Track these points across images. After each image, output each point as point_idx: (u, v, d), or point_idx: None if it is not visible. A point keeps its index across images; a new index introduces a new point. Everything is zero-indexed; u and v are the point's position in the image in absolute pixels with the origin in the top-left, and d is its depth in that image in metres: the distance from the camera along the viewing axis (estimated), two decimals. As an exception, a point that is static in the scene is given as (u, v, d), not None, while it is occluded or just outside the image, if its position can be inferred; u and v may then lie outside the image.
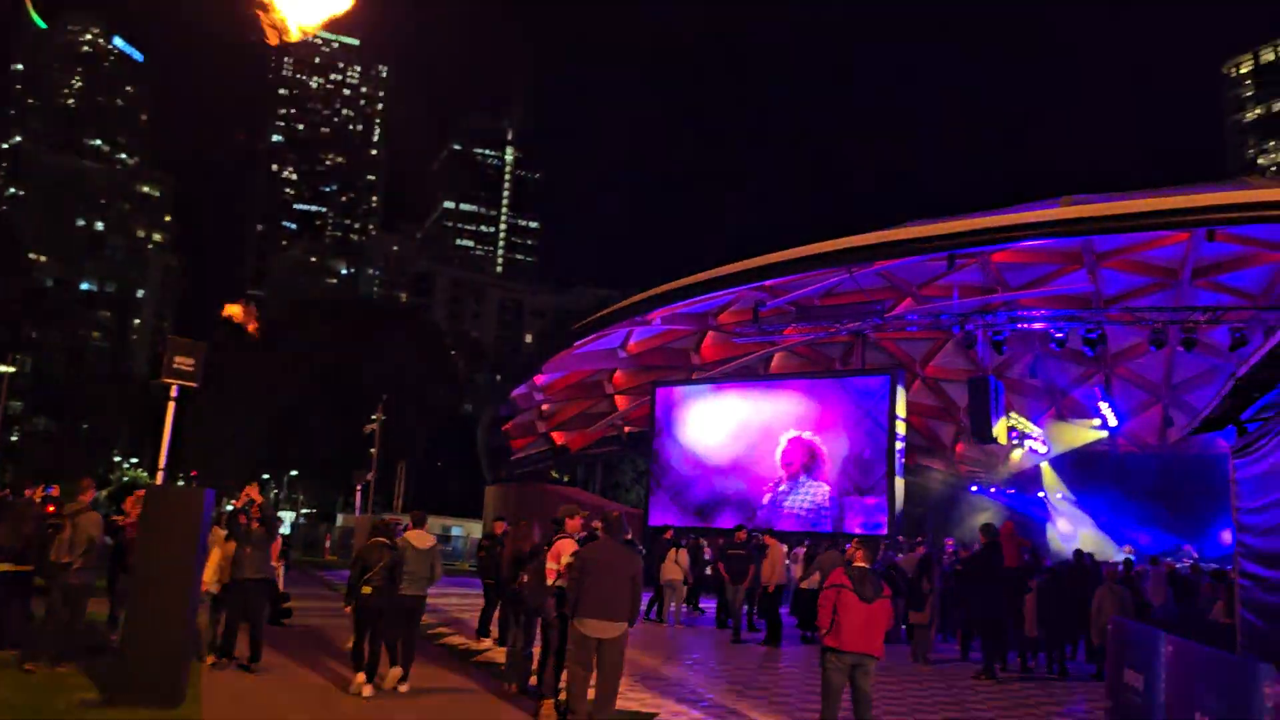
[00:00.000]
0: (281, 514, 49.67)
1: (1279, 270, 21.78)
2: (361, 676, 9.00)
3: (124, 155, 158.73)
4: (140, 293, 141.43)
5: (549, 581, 8.73)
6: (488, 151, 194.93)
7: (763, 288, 25.56)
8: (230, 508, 11.47)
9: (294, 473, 62.24)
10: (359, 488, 35.40)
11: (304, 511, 63.65)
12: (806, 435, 25.51)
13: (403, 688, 9.28)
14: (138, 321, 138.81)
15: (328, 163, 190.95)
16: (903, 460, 24.17)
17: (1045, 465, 30.41)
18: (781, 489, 25.64)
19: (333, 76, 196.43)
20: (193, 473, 52.69)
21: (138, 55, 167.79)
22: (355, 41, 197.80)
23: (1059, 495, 31.23)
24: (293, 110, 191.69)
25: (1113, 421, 27.80)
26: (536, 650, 9.35)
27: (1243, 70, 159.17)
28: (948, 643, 16.57)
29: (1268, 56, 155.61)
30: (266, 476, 65.58)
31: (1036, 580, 14.06)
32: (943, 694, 11.03)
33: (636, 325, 28.64)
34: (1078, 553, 16.41)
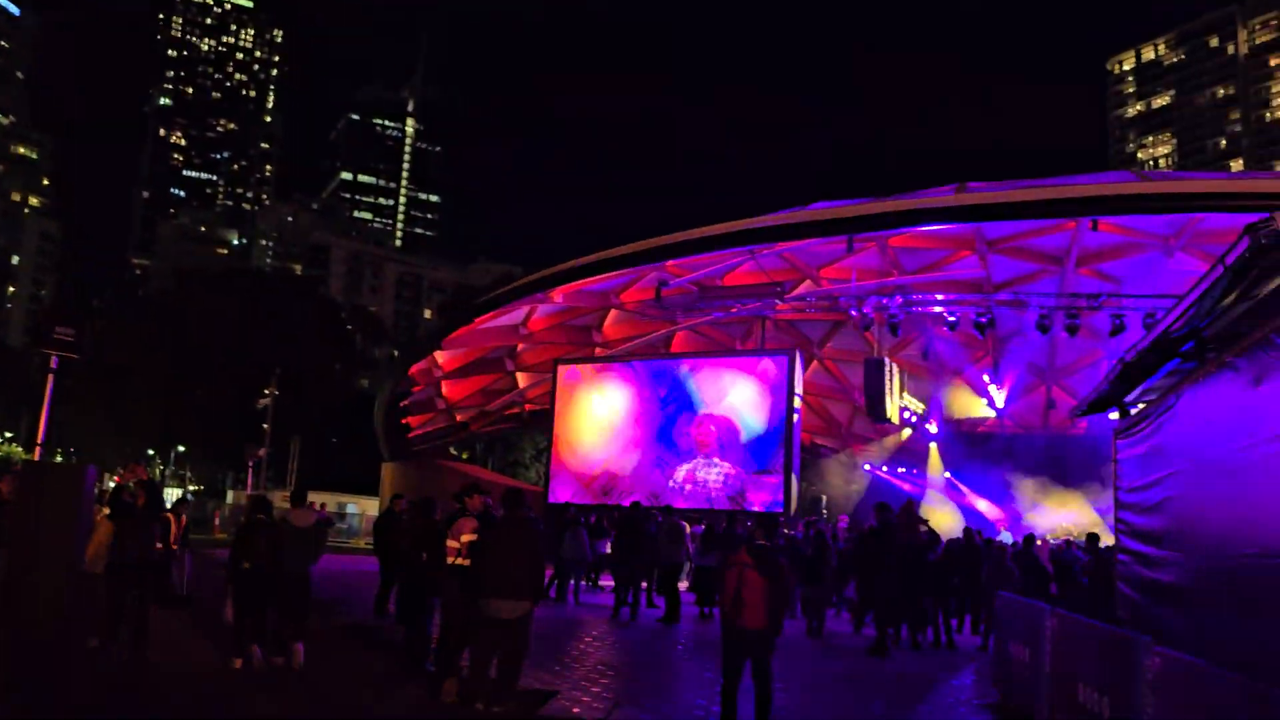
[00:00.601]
0: (169, 491, 47.90)
1: (1156, 260, 22.78)
2: (243, 657, 9.01)
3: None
4: (15, 259, 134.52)
5: (449, 560, 8.61)
6: (387, 123, 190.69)
7: (665, 267, 25.65)
8: (113, 485, 11.00)
9: (181, 448, 60.15)
10: (251, 464, 34.41)
11: (191, 489, 61.59)
12: (706, 414, 25.75)
13: (294, 662, 9.18)
14: (12, 289, 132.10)
15: (219, 129, 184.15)
16: (800, 439, 24.60)
17: (933, 446, 31.33)
18: (682, 467, 25.85)
19: (225, 39, 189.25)
20: (71, 449, 50.50)
21: (13, 9, 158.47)
22: (249, 3, 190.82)
23: (948, 474, 32.27)
24: (182, 73, 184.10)
25: (1000, 403, 28.80)
26: (436, 630, 9.21)
27: (1125, 67, 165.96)
28: (841, 618, 16.99)
29: (1149, 54, 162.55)
30: (152, 453, 63.23)
31: (932, 557, 14.49)
32: (838, 667, 11.29)
33: (539, 302, 28.44)
34: (967, 530, 16.96)
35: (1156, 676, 5.15)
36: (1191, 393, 6.10)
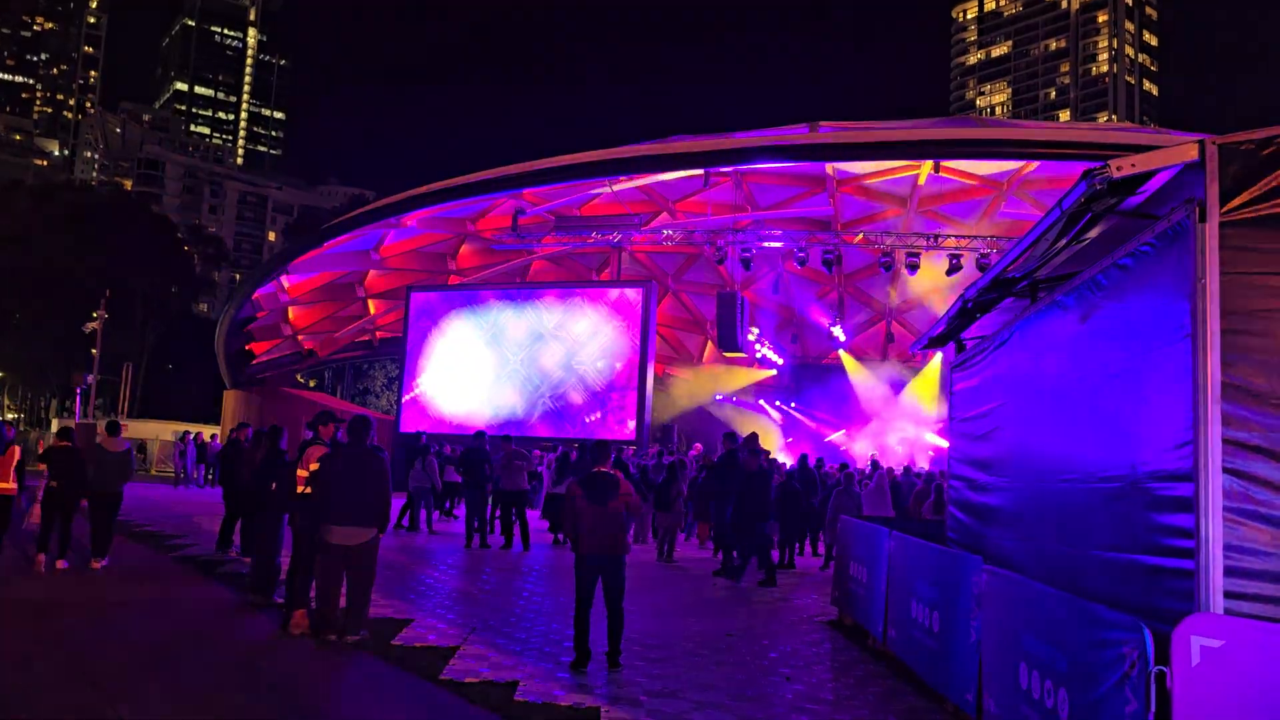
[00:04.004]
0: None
1: (990, 203, 23.94)
2: (43, 558, 10.61)
3: None
4: None
5: (299, 490, 8.42)
6: (227, 31, 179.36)
7: (522, 196, 25.33)
8: None
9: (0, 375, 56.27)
10: (79, 391, 32.49)
11: (10, 417, 57.79)
12: (561, 343, 25.78)
13: (97, 564, 10.92)
14: None
15: (35, 28, 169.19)
16: (654, 370, 24.97)
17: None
18: (536, 396, 25.88)
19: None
20: None
21: None
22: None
23: (792, 404, 33.45)
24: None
25: (842, 337, 29.93)
26: (285, 561, 9.03)
27: (969, 15, 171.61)
28: (690, 542, 17.52)
29: (990, 4, 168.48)
30: (-36, 379, 58.96)
31: (773, 484, 15.03)
32: (687, 589, 11.67)
33: (392, 228, 27.67)
34: (803, 457, 17.71)
35: (982, 592, 5.54)
36: (1023, 329, 6.49)
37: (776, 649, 8.26)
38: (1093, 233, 4.80)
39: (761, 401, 32.96)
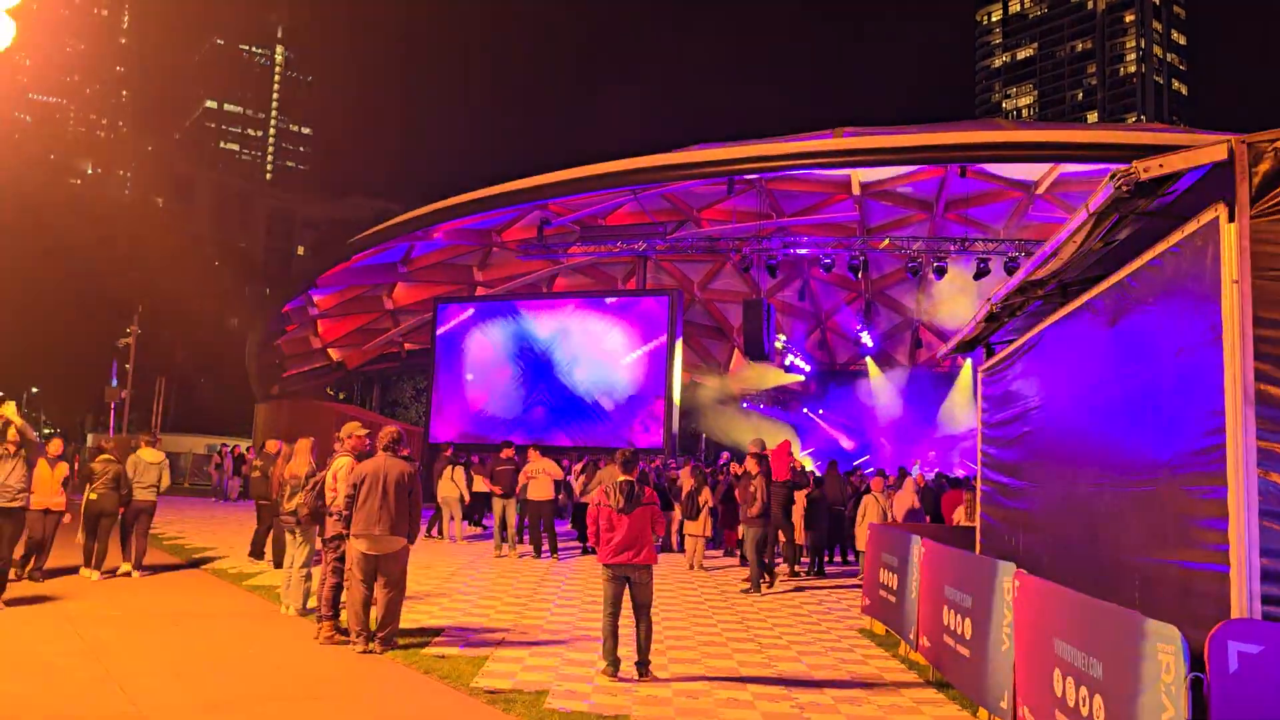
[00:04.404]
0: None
1: (1017, 205, 23.78)
2: (84, 569, 11.14)
3: None
4: None
5: (328, 501, 8.48)
6: (254, 49, 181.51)
7: (547, 206, 25.44)
8: None
9: (35, 389, 57.11)
10: (113, 405, 32.93)
11: (46, 431, 58.64)
12: (588, 353, 25.82)
13: (136, 574, 11.38)
14: None
15: (68, 50, 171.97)
16: (680, 378, 24.95)
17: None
18: (564, 405, 25.93)
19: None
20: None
21: None
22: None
23: (820, 411, 33.35)
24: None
25: (869, 343, 29.80)
26: (316, 571, 9.10)
27: (993, 18, 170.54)
28: (717, 550, 17.48)
29: (1015, 6, 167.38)
30: (0, 394, 59.87)
31: (805, 492, 14.99)
32: (716, 598, 11.64)
33: (418, 240, 27.86)
34: (832, 463, 17.61)
35: (1015, 598, 5.50)
36: (1052, 332, 6.44)
37: (807, 656, 8.23)
38: (1121, 234, 4.77)
39: (808, 411, 32.96)
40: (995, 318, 7.06)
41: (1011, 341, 7.59)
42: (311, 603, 9.06)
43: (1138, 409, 4.86)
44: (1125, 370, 5.06)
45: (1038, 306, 6.72)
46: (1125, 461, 4.98)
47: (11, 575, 10.19)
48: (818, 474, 17.63)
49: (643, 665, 7.18)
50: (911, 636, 7.92)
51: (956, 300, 26.20)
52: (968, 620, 6.38)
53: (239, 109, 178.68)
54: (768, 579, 12.80)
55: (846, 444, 31.76)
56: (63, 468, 10.97)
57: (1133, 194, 4.08)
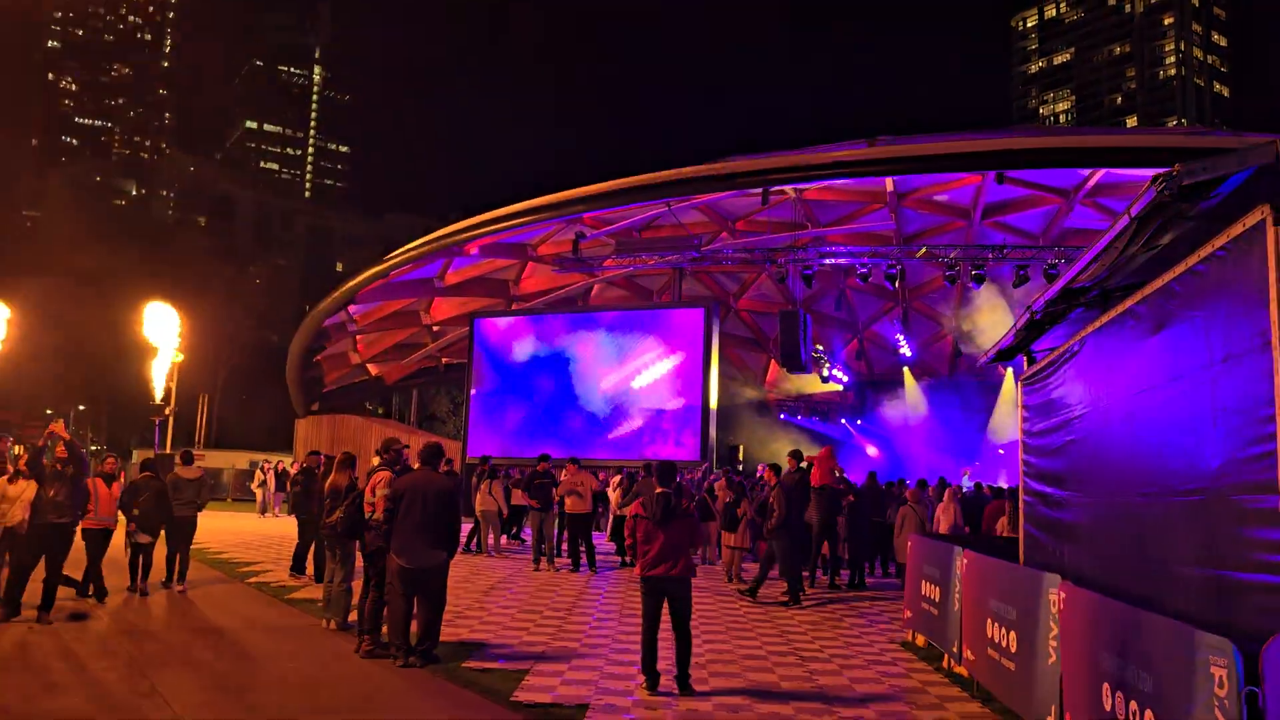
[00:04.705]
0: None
1: (1056, 212, 23.51)
2: (130, 585, 11.35)
3: None
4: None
5: (368, 515, 8.54)
6: (292, 69, 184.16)
7: (582, 220, 25.54)
8: (17, 448, 10.80)
9: (81, 407, 58.16)
10: (157, 422, 33.46)
11: (94, 449, 59.65)
12: (624, 366, 25.83)
13: (180, 590, 11.57)
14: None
15: (113, 74, 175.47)
16: (717, 390, 24.86)
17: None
18: (600, 418, 25.94)
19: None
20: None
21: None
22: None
23: (858, 421, 33.12)
24: (71, 14, 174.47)
25: (908, 353, 29.53)
26: (357, 586, 9.15)
27: (1029, 24, 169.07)
28: (756, 561, 17.35)
29: (1051, 11, 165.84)
30: (50, 411, 61.04)
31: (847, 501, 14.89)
32: (755, 610, 11.56)
33: (454, 255, 28.07)
34: (872, 474, 17.43)
35: (1060, 610, 5.40)
36: (1094, 340, 6.34)
37: (849, 670, 8.14)
38: (1165, 239, 4.69)
39: (844, 421, 32.75)
40: (1036, 325, 6.96)
41: (1053, 349, 7.48)
42: (353, 617, 9.12)
43: (1184, 417, 4.77)
44: (1170, 377, 4.97)
45: (1079, 313, 6.62)
46: (1172, 471, 4.88)
47: (72, 594, 10.39)
48: (855, 485, 17.50)
49: (683, 679, 7.14)
50: (955, 650, 7.81)
51: (994, 309, 25.92)
52: (1012, 633, 6.28)
53: (278, 129, 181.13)
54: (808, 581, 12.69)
55: (873, 453, 31.51)
56: (116, 487, 11.16)
57: (1176, 198, 4.01)
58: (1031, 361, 8.11)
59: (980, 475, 25.28)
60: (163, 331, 28.28)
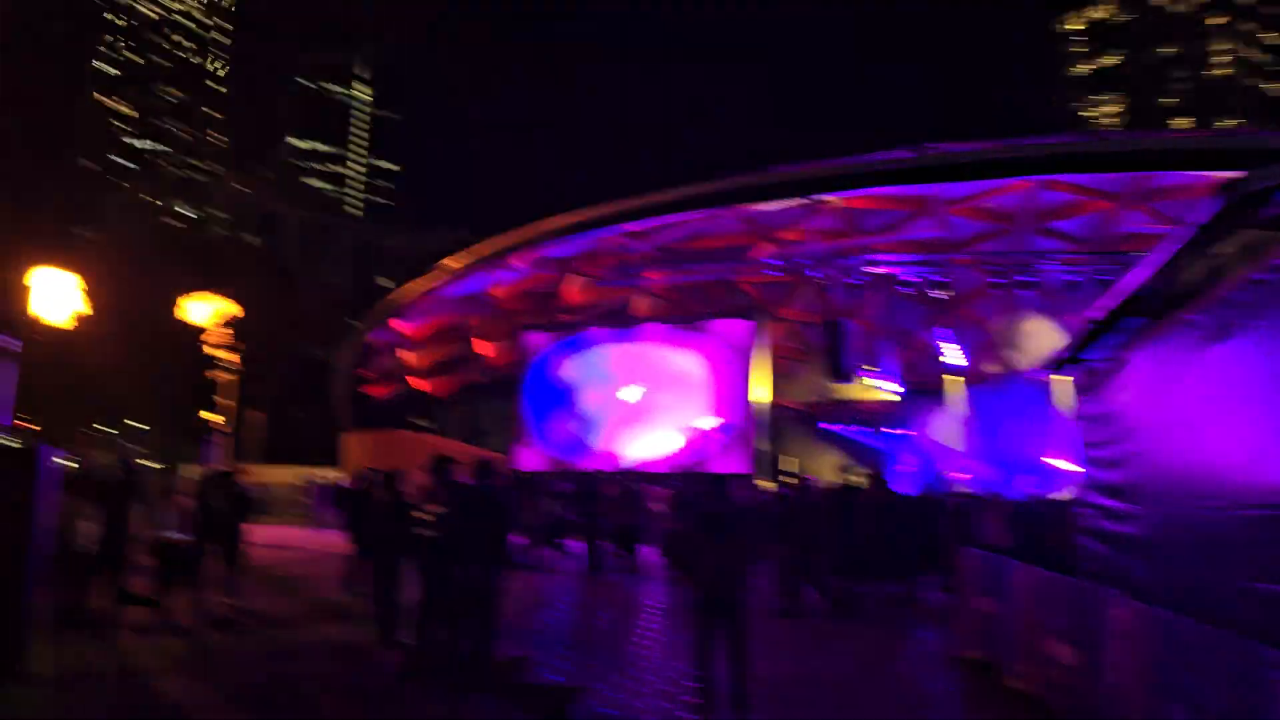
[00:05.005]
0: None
1: (1105, 217, 23.12)
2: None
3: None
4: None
5: (419, 531, 8.58)
6: (338, 88, 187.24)
7: (627, 232, 25.60)
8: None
9: (135, 423, 59.30)
10: (209, 438, 34.02)
11: (144, 463, 60.82)
12: (670, 378, 25.82)
13: (229, 604, 10.95)
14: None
15: (165, 97, 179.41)
16: (764, 401, 24.76)
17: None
18: (648, 431, 25.94)
19: (165, 1, 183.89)
20: (29, 425, 49.49)
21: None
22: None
23: (907, 430, 32.70)
24: (122, 40, 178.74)
25: (961, 362, 29.10)
26: (406, 600, 9.20)
27: (1076, 27, 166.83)
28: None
29: (1097, 14, 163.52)
30: (101, 427, 62.29)
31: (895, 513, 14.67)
32: (806, 627, 11.44)
33: (500, 269, 28.27)
34: (914, 483, 17.21)
35: (1123, 626, 5.28)
36: (1153, 349, 6.21)
37: (902, 688, 8.03)
38: (1227, 247, 4.58)
39: (892, 431, 32.36)
40: (1092, 334, 6.83)
41: (1110, 358, 7.34)
42: (404, 633, 9.16)
43: (1249, 428, 4.65)
44: (1233, 387, 4.85)
45: (1134, 322, 6.49)
46: (1237, 483, 4.76)
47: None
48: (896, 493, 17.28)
49: (738, 698, 7.06)
50: (1011, 666, 7.66)
51: (1042, 317, 25.52)
52: (1072, 649, 6.15)
53: (326, 148, 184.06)
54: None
55: (914, 463, 31.06)
56: (178, 500, 11.34)
57: (1242, 204, 3.92)
58: (1088, 371, 7.96)
59: (1034, 486, 24.87)
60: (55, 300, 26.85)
